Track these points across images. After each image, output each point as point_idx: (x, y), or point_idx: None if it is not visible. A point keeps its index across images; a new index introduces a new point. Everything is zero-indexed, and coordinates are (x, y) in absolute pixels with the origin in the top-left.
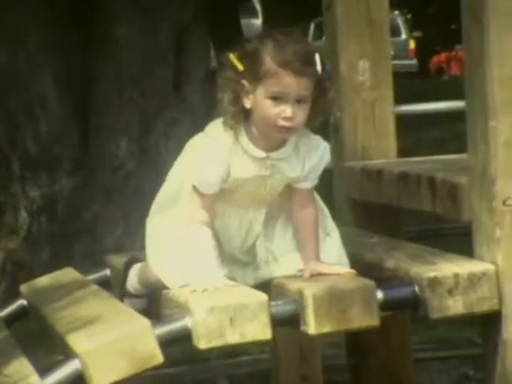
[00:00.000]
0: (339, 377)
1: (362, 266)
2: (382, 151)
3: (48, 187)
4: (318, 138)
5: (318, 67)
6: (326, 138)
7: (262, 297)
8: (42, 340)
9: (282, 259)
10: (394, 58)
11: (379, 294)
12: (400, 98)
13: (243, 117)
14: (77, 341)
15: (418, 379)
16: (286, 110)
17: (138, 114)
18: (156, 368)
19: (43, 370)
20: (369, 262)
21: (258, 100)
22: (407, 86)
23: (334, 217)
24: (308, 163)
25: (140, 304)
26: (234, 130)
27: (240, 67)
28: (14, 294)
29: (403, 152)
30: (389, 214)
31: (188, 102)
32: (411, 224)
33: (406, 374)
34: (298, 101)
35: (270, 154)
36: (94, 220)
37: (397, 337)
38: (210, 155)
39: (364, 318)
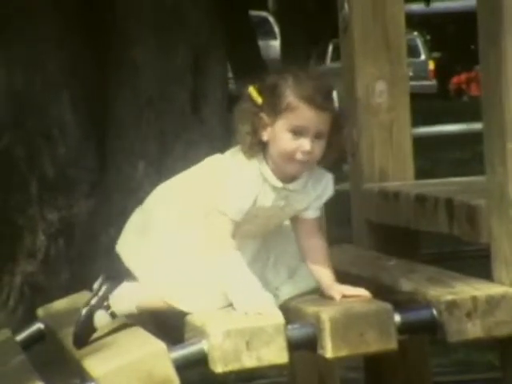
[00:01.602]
0: None
1: (379, 288)
2: (400, 173)
3: (66, 210)
4: (322, 170)
5: (335, 103)
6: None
7: (279, 320)
8: (58, 363)
9: (296, 278)
10: (413, 79)
11: (397, 318)
12: (419, 120)
13: (260, 148)
14: (93, 364)
15: None
16: (305, 144)
17: (156, 136)
18: None
19: None
20: (386, 284)
21: (276, 133)
22: (426, 107)
23: (352, 239)
24: (313, 193)
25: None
26: (256, 159)
27: (259, 100)
28: (32, 318)
29: (421, 174)
30: (406, 236)
31: (206, 124)
32: (429, 246)
33: None
34: (317, 136)
35: (286, 185)
36: (111, 243)
37: (415, 360)
38: (243, 181)
39: (381, 342)
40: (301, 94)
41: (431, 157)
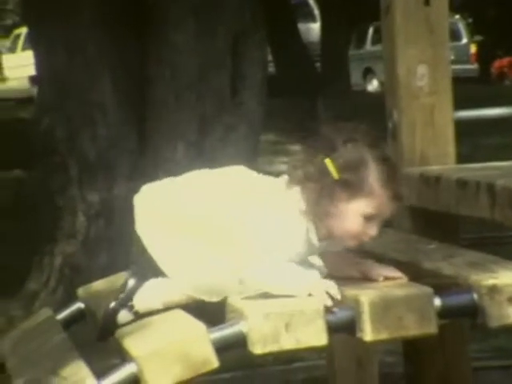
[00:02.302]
0: None
1: (419, 272)
2: (441, 157)
3: (105, 191)
4: None
5: None
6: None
7: (318, 303)
8: (98, 343)
9: None
10: (455, 62)
11: (437, 302)
12: (460, 104)
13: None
14: (132, 345)
15: None
16: (374, 229)
17: (195, 118)
18: (211, 373)
19: (99, 373)
20: (426, 268)
21: (348, 212)
22: (468, 91)
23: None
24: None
25: None
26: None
27: (335, 175)
28: (72, 298)
29: (462, 158)
30: (447, 220)
31: (244, 107)
32: (470, 231)
33: (464, 383)
34: (381, 221)
35: (321, 244)
36: None
37: (455, 345)
38: (292, 242)
39: (421, 326)
40: (384, 185)
41: (472, 141)
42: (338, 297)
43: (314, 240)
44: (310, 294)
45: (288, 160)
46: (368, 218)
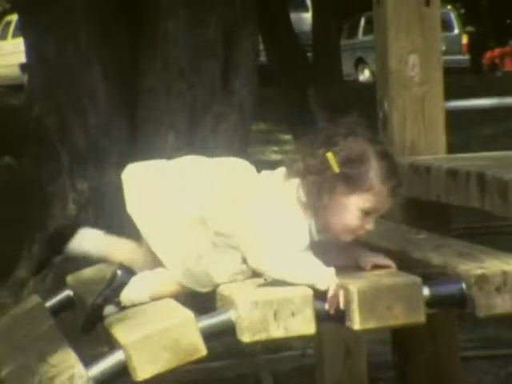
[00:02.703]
0: (384, 374)
1: (408, 262)
2: (432, 147)
3: (96, 180)
4: None
5: None
6: (374, 132)
7: (307, 291)
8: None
9: None
10: (446, 53)
11: (425, 291)
12: (451, 94)
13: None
14: (121, 332)
15: (465, 378)
16: (371, 224)
17: (186, 107)
18: (199, 361)
19: (88, 361)
20: (416, 258)
21: (346, 206)
22: (459, 81)
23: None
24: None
25: None
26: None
27: (336, 169)
28: (61, 285)
29: (453, 149)
30: (437, 210)
31: (236, 97)
32: (459, 221)
33: (452, 373)
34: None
35: (319, 237)
36: None
37: (443, 335)
38: (296, 237)
39: (409, 315)
40: (384, 181)
41: (463, 132)
42: (341, 305)
43: (314, 234)
44: (325, 288)
45: (286, 153)
46: (366, 213)
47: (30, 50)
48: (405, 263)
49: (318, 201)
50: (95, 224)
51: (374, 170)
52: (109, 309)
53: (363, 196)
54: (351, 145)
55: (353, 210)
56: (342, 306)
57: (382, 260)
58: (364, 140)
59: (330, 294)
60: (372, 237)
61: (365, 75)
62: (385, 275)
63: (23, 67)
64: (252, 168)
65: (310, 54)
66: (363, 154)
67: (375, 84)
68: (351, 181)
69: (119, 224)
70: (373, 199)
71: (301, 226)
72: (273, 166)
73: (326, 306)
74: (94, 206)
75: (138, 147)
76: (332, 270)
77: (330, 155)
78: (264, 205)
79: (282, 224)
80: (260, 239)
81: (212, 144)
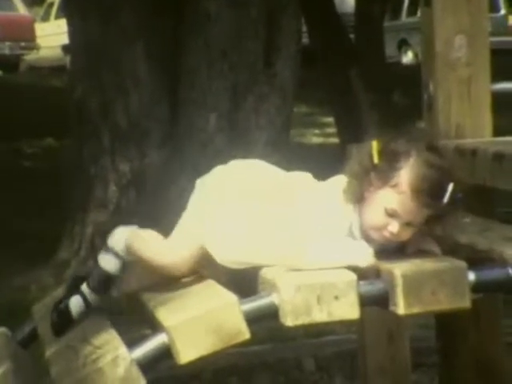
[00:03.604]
0: (428, 359)
1: (453, 246)
2: (477, 130)
3: (137, 161)
4: None
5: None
6: (419, 115)
7: (351, 276)
8: (127, 314)
9: None
10: (492, 34)
11: (471, 276)
12: (497, 76)
13: (358, 200)
14: (164, 315)
15: (509, 363)
16: (394, 226)
17: (228, 88)
18: (241, 345)
19: (131, 343)
20: (461, 242)
21: (374, 201)
22: (505, 63)
23: None
24: None
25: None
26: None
27: (375, 160)
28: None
29: (499, 132)
30: (482, 194)
31: (278, 78)
32: (505, 205)
33: (496, 358)
34: (407, 224)
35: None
36: (181, 195)
37: (488, 320)
38: (330, 228)
39: (454, 300)
40: (412, 183)
41: (510, 115)
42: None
43: (357, 235)
44: (365, 266)
45: (327, 136)
46: (390, 214)
47: (73, 32)
48: (450, 247)
49: (358, 193)
50: (136, 205)
51: (407, 170)
52: (75, 301)
53: (389, 193)
54: (401, 142)
55: (379, 206)
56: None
57: (428, 245)
58: (420, 145)
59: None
60: None
61: (408, 57)
62: (430, 259)
63: (66, 48)
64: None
65: (352, 36)
66: (405, 153)
67: (419, 66)
68: (383, 174)
69: (160, 205)
70: (397, 199)
71: (340, 221)
72: (313, 149)
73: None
74: (135, 187)
75: (180, 128)
76: (370, 248)
77: (374, 144)
78: (310, 201)
79: (322, 218)
80: (298, 235)
81: (254, 125)
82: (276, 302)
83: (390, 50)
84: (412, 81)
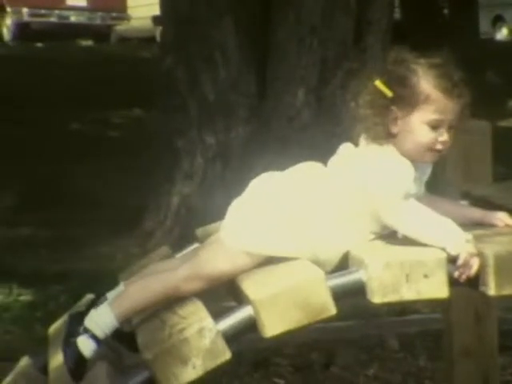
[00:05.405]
0: None
1: None
2: None
3: (224, 134)
4: None
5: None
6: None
7: (440, 254)
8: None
9: None
10: None
11: None
12: None
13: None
14: (251, 288)
15: None
16: (443, 135)
17: (317, 63)
18: (324, 320)
19: (217, 315)
20: None
21: (412, 125)
22: None
23: None
24: (424, 178)
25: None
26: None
27: (389, 93)
28: (187, 239)
29: None
30: None
31: (368, 53)
32: None
33: None
34: (451, 126)
35: (419, 174)
36: (267, 169)
37: None
38: (407, 170)
39: None
40: (438, 85)
41: None
42: (473, 270)
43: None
44: (455, 254)
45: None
46: (434, 126)
47: (163, 3)
48: None
49: (390, 134)
50: (222, 178)
51: (425, 80)
52: (83, 341)
53: (424, 109)
54: (395, 66)
55: (420, 126)
56: (471, 273)
57: (496, 220)
58: (412, 58)
59: (460, 262)
60: (506, 200)
61: (502, 33)
62: None
63: (156, 19)
64: None
65: (446, 11)
66: (409, 70)
67: None
68: (407, 98)
69: (245, 179)
70: (434, 108)
71: (406, 172)
72: None
73: (455, 274)
74: (221, 160)
75: (267, 102)
76: (469, 236)
77: (377, 83)
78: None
79: (390, 173)
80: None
81: (340, 101)
82: (363, 278)
83: (483, 25)
84: (506, 57)
